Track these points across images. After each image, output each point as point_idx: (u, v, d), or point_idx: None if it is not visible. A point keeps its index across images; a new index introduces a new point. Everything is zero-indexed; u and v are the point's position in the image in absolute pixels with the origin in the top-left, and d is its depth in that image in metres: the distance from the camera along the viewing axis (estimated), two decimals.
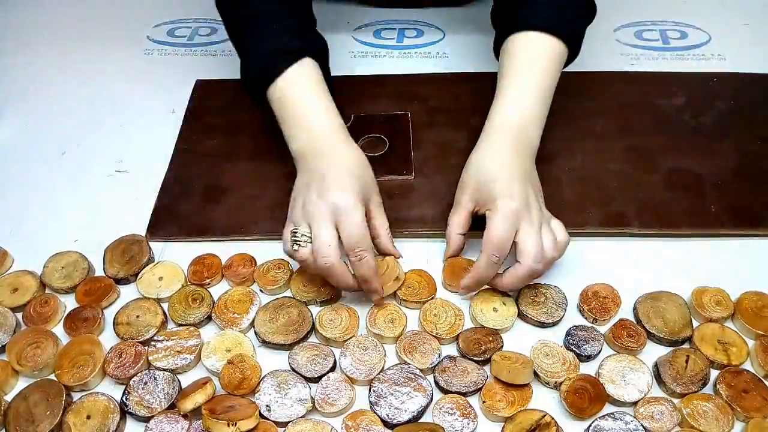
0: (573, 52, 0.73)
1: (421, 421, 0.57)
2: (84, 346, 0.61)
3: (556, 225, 0.64)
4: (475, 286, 0.64)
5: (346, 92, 0.78)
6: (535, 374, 0.59)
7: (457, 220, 0.67)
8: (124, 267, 0.68)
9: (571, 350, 0.61)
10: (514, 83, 0.70)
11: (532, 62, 0.70)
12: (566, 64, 0.74)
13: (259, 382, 0.58)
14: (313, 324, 0.63)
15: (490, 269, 0.62)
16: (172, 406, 0.57)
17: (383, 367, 0.60)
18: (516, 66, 0.70)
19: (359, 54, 0.96)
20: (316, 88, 0.68)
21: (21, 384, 0.60)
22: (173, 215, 0.73)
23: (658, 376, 0.59)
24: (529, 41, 0.70)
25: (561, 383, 0.58)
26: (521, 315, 0.64)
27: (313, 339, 0.63)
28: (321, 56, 0.71)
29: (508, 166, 0.65)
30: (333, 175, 0.62)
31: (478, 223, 0.66)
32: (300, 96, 0.67)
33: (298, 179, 0.66)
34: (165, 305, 0.65)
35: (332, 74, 0.74)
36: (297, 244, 0.60)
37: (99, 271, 0.69)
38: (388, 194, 0.74)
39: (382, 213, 0.67)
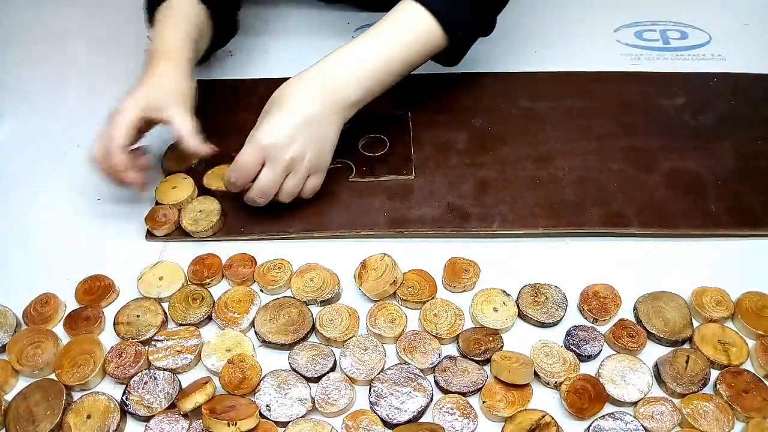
0: (452, 48, 0.73)
1: (421, 421, 0.57)
2: (84, 346, 0.61)
3: (314, 180, 0.69)
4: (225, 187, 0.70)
5: None
6: (536, 374, 0.59)
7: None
8: (177, 163, 0.77)
9: (571, 350, 0.61)
10: (364, 38, 0.70)
11: (396, 30, 0.70)
12: (441, 57, 0.74)
13: (260, 382, 0.59)
14: (314, 324, 0.63)
15: (230, 185, 0.68)
16: (172, 406, 0.57)
17: (383, 367, 0.60)
18: (381, 26, 0.70)
19: None
20: (176, 21, 0.74)
21: (21, 384, 0.60)
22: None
23: (658, 376, 0.59)
24: (409, 10, 0.70)
25: (561, 383, 0.58)
26: (521, 315, 0.64)
27: (313, 339, 0.63)
28: (209, 2, 0.77)
29: (297, 103, 0.66)
30: (133, 88, 0.69)
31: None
32: (161, 23, 0.74)
33: None
34: (165, 305, 0.65)
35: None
36: None
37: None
38: (388, 194, 0.74)
39: (184, 118, 0.68)
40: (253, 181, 0.67)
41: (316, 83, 0.67)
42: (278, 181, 0.67)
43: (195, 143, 0.68)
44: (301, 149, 0.66)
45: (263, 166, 0.66)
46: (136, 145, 0.71)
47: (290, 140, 0.65)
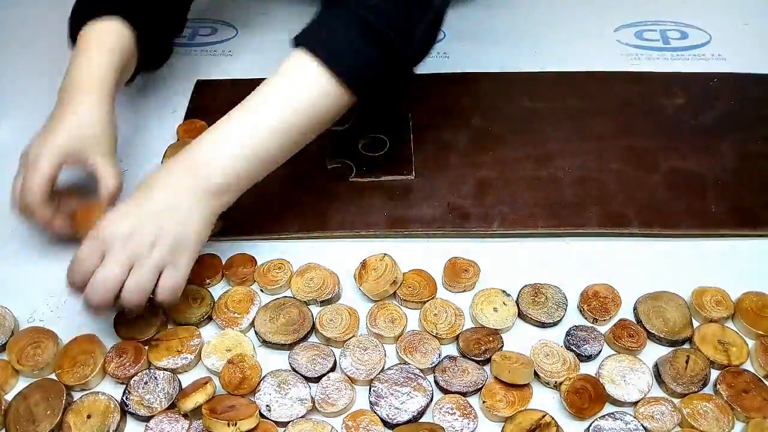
0: (362, 99, 0.61)
1: (421, 421, 0.57)
2: (84, 346, 0.61)
3: (170, 275, 0.57)
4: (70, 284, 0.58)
5: None
6: (536, 374, 0.59)
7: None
8: None
9: (572, 350, 0.61)
10: (242, 108, 0.61)
11: (285, 92, 0.60)
12: (352, 110, 0.62)
13: (260, 382, 0.58)
14: (314, 324, 0.63)
15: (71, 287, 0.57)
16: (172, 406, 0.57)
17: (383, 367, 0.60)
18: (266, 88, 0.61)
19: None
20: (98, 47, 0.69)
21: (21, 384, 0.60)
22: None
23: (658, 376, 0.59)
24: (295, 61, 0.60)
25: (561, 383, 0.58)
26: (521, 315, 0.64)
27: (313, 339, 0.63)
28: (139, 24, 0.71)
29: (154, 190, 0.58)
30: (46, 127, 0.65)
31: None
32: (80, 50, 0.69)
33: None
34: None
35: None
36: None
37: None
38: (388, 194, 0.74)
39: (108, 168, 0.66)
40: None
41: (181, 167, 0.59)
42: (117, 277, 0.55)
43: (115, 193, 0.66)
44: (148, 240, 0.56)
45: None
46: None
47: (133, 230, 0.56)
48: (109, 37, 0.70)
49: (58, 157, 0.64)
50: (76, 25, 0.71)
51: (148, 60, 0.78)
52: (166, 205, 0.58)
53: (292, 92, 0.61)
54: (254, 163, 0.60)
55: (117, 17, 0.70)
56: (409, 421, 0.56)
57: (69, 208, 0.67)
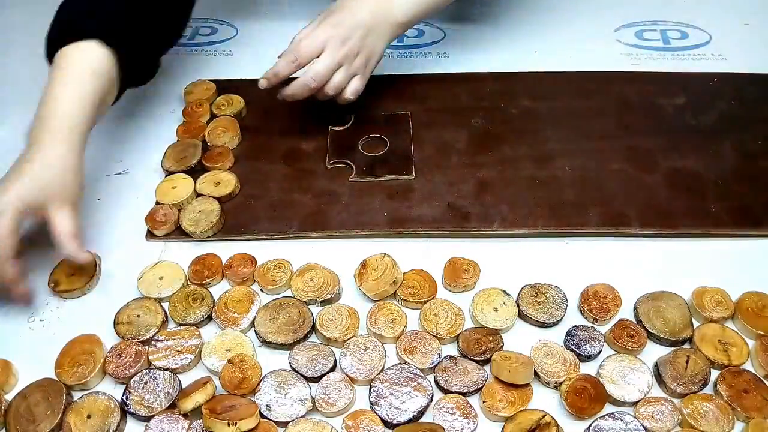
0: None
1: (421, 421, 0.57)
2: (84, 346, 0.61)
3: (356, 82, 0.74)
4: (273, 77, 0.72)
5: None
6: (536, 374, 0.59)
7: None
8: (177, 163, 0.77)
9: (572, 350, 0.61)
10: None
11: None
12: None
13: (260, 382, 0.59)
14: (314, 324, 0.63)
15: (282, 68, 0.72)
16: (172, 406, 0.57)
17: (383, 367, 0.60)
18: None
19: None
20: (73, 80, 0.64)
21: (21, 384, 0.60)
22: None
23: (658, 376, 0.59)
24: None
25: (561, 383, 0.58)
26: (521, 315, 0.64)
27: (313, 339, 0.63)
28: (121, 46, 0.67)
29: (355, 11, 0.72)
30: (11, 172, 0.62)
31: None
32: (54, 82, 0.65)
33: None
34: (165, 305, 0.65)
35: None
36: None
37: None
38: (388, 194, 0.74)
39: (67, 218, 0.62)
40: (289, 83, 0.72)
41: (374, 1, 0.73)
42: (331, 70, 0.71)
43: (72, 248, 0.62)
44: (355, 48, 0.72)
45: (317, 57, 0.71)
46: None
47: (347, 37, 0.71)
48: (87, 65, 0.65)
49: (20, 210, 0.60)
50: (54, 46, 0.66)
51: (134, 79, 0.73)
52: (367, 25, 0.72)
53: None
54: (428, 8, 0.77)
55: (95, 41, 0.66)
56: (409, 421, 0.56)
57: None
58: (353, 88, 0.74)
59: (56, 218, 0.62)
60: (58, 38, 0.66)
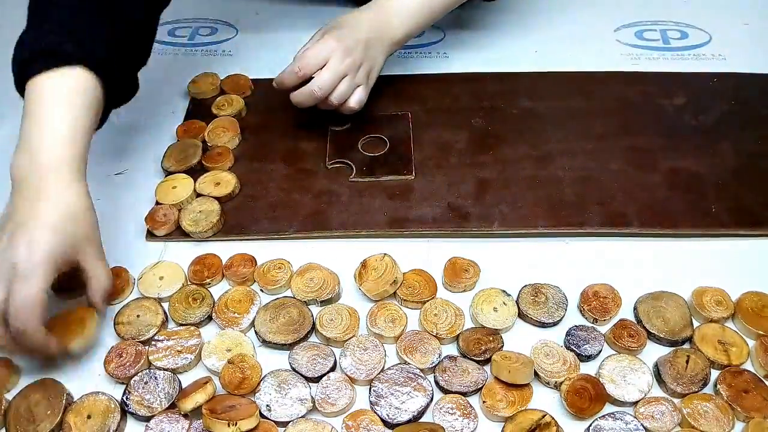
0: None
1: (421, 421, 0.57)
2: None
3: (360, 92, 0.76)
4: (278, 87, 0.76)
5: None
6: (536, 374, 0.59)
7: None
8: (177, 163, 0.77)
9: (572, 350, 0.61)
10: None
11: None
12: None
13: (260, 382, 0.59)
14: (314, 324, 0.63)
15: (288, 76, 0.74)
16: (172, 406, 0.57)
17: (383, 367, 0.60)
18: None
19: None
20: (64, 108, 0.59)
21: (22, 383, 0.60)
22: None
23: (658, 376, 0.59)
24: None
25: (561, 383, 0.58)
26: (521, 315, 0.64)
27: (313, 339, 0.63)
28: (104, 69, 0.62)
29: (354, 27, 0.75)
30: (31, 226, 0.54)
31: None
32: (42, 111, 0.58)
33: (6, 206, 0.58)
34: (165, 305, 0.65)
35: None
36: None
37: None
38: (388, 194, 0.75)
39: (99, 266, 0.59)
40: (297, 87, 0.74)
41: (373, 17, 0.77)
42: (335, 80, 0.73)
43: (100, 301, 0.60)
44: (358, 59, 0.74)
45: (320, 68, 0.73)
46: None
47: (351, 49, 0.73)
48: (76, 96, 0.60)
49: (52, 273, 0.55)
50: (27, 74, 0.60)
51: (117, 101, 0.68)
52: (367, 40, 0.75)
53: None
54: (422, 25, 0.81)
55: (79, 66, 0.60)
56: (409, 421, 0.56)
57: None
58: (357, 98, 0.76)
59: (95, 271, 0.59)
60: (33, 66, 0.59)
